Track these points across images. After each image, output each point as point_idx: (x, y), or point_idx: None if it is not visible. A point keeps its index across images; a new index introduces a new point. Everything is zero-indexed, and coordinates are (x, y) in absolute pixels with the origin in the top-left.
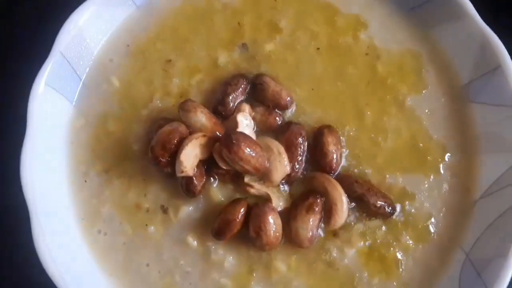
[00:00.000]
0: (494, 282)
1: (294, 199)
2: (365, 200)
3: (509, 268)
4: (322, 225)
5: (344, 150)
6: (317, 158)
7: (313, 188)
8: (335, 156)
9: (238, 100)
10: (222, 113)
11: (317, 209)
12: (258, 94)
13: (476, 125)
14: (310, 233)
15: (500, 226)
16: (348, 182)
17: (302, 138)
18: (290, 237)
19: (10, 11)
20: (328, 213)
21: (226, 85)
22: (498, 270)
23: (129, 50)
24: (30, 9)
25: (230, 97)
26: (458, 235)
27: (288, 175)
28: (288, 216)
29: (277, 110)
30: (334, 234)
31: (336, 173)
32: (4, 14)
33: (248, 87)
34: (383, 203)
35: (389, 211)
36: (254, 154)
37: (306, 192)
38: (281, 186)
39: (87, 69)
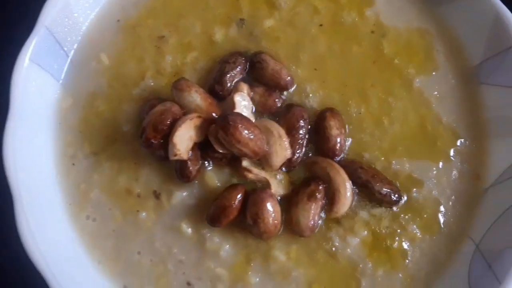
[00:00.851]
0: (506, 274)
1: (295, 185)
2: (369, 187)
3: None
4: (324, 212)
5: (347, 134)
6: (320, 142)
7: (315, 174)
8: (338, 141)
9: (236, 80)
10: (219, 92)
11: (319, 196)
12: (257, 73)
13: (487, 108)
14: (312, 222)
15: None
16: (352, 168)
17: (303, 121)
18: (290, 226)
19: None
20: (330, 200)
21: (223, 63)
22: (510, 262)
23: (120, 26)
24: None
25: (228, 76)
26: (467, 225)
27: (289, 160)
28: (289, 204)
29: (277, 90)
30: (337, 222)
31: (339, 158)
32: None
33: (247, 66)
34: (388, 191)
35: (395, 198)
36: (252, 137)
37: (307, 178)
38: (282, 170)
39: (75, 45)
